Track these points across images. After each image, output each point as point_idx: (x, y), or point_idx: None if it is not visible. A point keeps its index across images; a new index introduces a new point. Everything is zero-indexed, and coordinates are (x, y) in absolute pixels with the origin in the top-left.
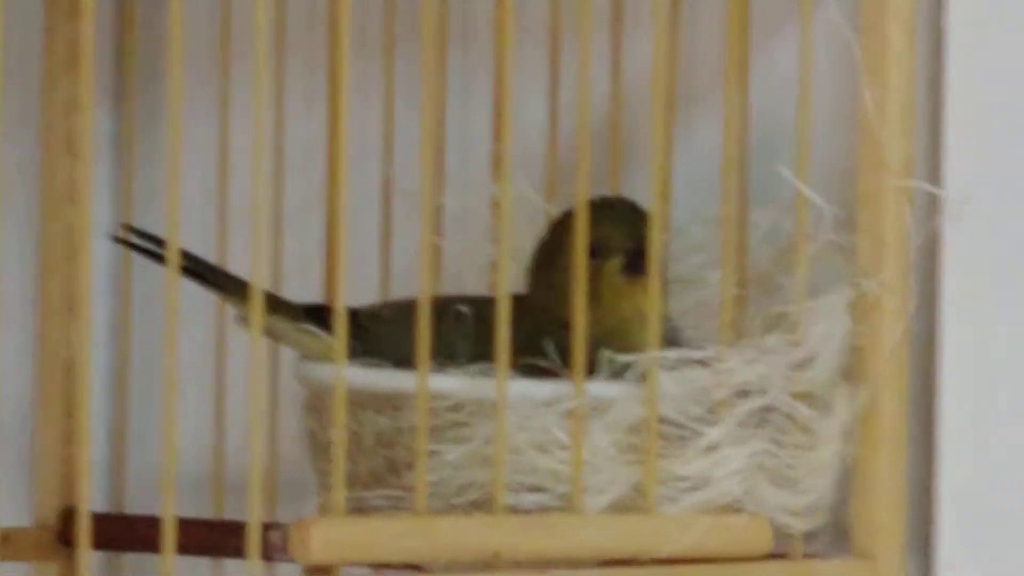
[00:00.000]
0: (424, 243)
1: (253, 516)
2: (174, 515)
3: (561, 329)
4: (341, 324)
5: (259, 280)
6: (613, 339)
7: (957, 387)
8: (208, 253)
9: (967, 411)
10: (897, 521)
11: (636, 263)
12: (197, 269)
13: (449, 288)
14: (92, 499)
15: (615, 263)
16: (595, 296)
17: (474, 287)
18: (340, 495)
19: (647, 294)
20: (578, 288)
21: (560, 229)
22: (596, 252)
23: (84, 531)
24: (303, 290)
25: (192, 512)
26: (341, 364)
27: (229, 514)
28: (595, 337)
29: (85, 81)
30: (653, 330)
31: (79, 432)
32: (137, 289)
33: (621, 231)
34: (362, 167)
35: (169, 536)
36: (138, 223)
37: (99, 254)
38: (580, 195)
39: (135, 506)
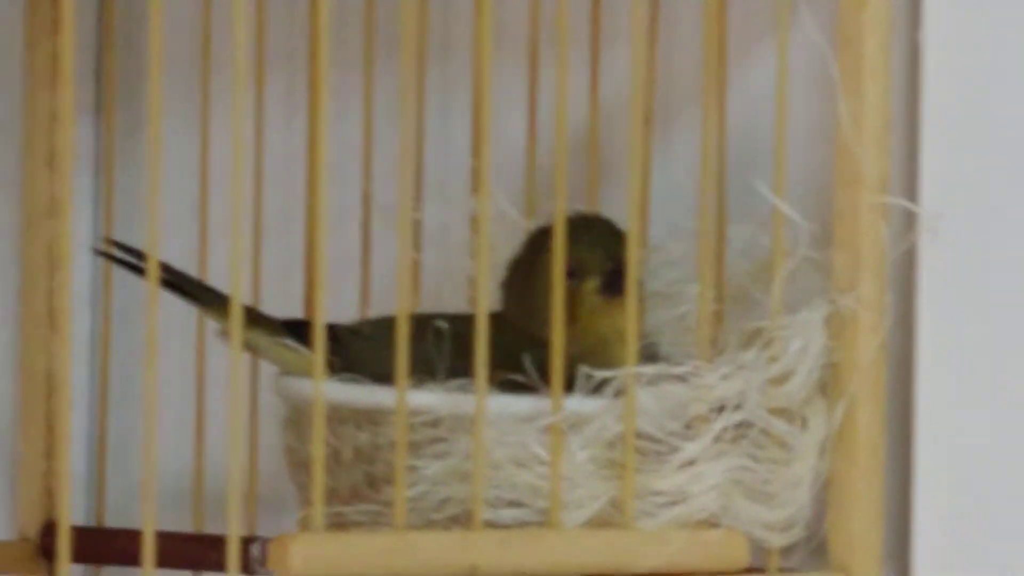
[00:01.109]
0: (402, 258)
1: (232, 530)
2: (154, 528)
3: (539, 346)
4: (320, 339)
5: (239, 294)
6: (591, 357)
7: (934, 401)
8: (189, 266)
9: (944, 425)
10: (874, 535)
11: (613, 283)
12: (178, 282)
13: (428, 303)
14: (73, 512)
15: (592, 284)
16: (573, 316)
17: (453, 302)
18: (320, 510)
19: (625, 313)
20: (556, 307)
21: (535, 246)
22: (573, 273)
23: (64, 544)
24: (284, 304)
25: (173, 526)
26: (320, 379)
27: (210, 528)
28: (573, 355)
29: (65, 95)
30: (631, 346)
31: (59, 445)
32: (118, 302)
33: (598, 251)
34: (342, 181)
35: (149, 549)
36: (120, 236)
37: (81, 267)
38: (558, 213)
39: (116, 519)
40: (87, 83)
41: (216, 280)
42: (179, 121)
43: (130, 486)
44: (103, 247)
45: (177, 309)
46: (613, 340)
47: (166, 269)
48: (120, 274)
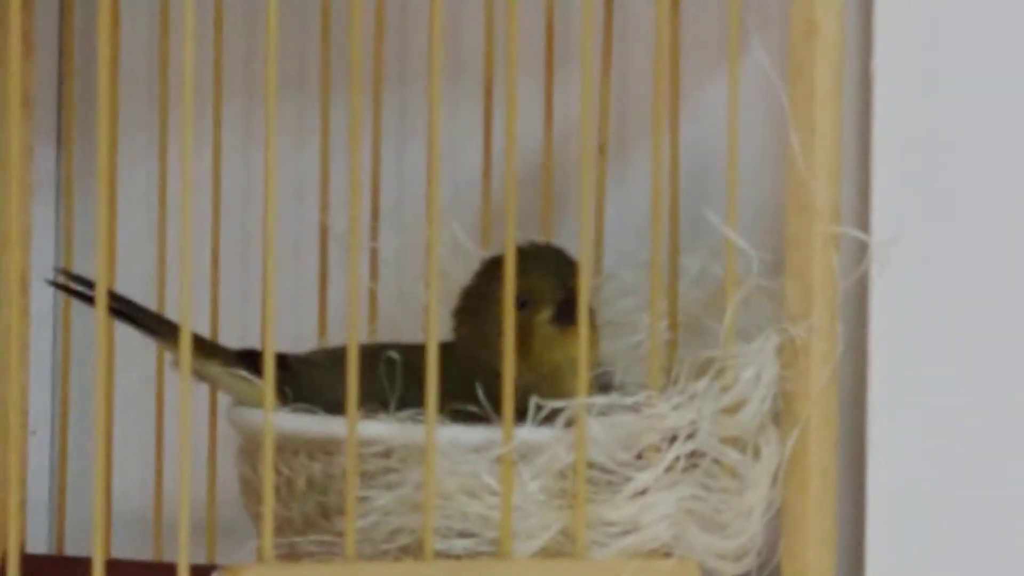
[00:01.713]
0: (351, 287)
1: (183, 559)
2: (105, 557)
3: (491, 375)
4: (270, 368)
5: (188, 325)
6: (544, 386)
7: (886, 430)
8: (147, 295)
9: (896, 454)
10: (827, 562)
11: (566, 313)
12: (130, 313)
13: (384, 332)
14: (34, 541)
15: (544, 315)
16: (525, 347)
17: (408, 331)
18: (269, 541)
19: (578, 342)
20: (507, 337)
21: (487, 276)
22: (525, 303)
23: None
24: (243, 334)
25: (132, 554)
26: (270, 410)
27: (168, 556)
28: (526, 384)
29: (14, 125)
30: (583, 376)
31: (9, 474)
32: (80, 330)
33: (549, 281)
34: (302, 209)
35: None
36: (80, 267)
37: (42, 295)
38: (508, 241)
39: (78, 548)
40: (48, 112)
41: (174, 310)
42: (137, 149)
43: (89, 514)
44: (58, 278)
45: (136, 338)
46: (566, 369)
47: (119, 299)
48: (80, 305)
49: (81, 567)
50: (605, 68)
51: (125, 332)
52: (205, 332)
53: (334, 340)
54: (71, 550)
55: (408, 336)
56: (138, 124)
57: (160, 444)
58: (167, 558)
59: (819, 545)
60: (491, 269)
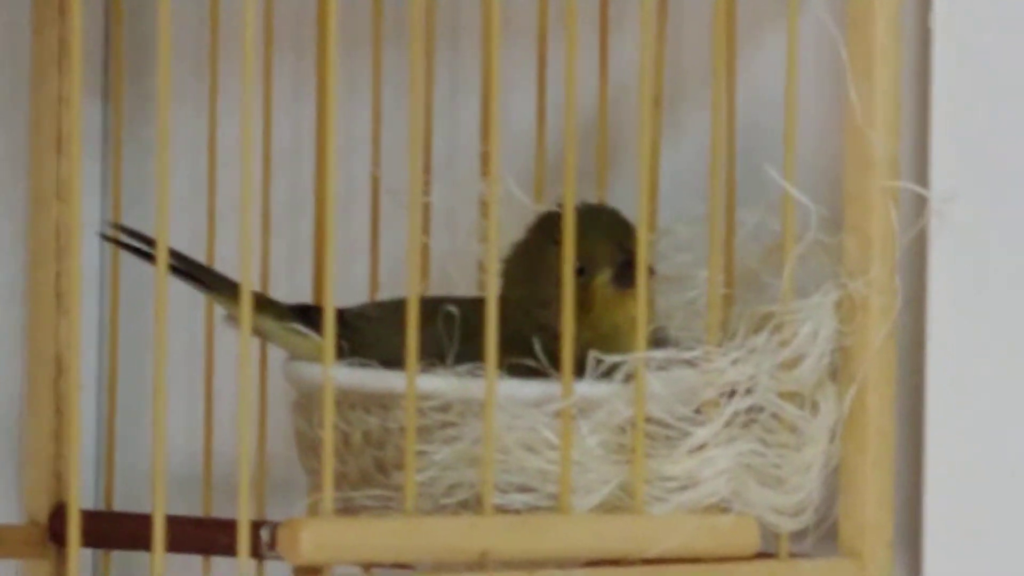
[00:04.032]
0: (412, 240)
1: (242, 514)
2: (164, 512)
3: (548, 332)
4: (330, 323)
5: (248, 279)
6: (602, 344)
7: (944, 385)
8: (195, 250)
9: (954, 409)
10: (884, 520)
11: (624, 275)
12: (185, 268)
13: (436, 286)
14: (81, 496)
15: (603, 278)
16: (584, 308)
17: (461, 286)
18: (329, 495)
19: (636, 303)
20: (567, 299)
21: (542, 233)
22: (583, 268)
23: (74, 527)
24: (293, 289)
25: (180, 510)
26: (329, 364)
27: (217, 512)
28: (583, 343)
29: (73, 77)
30: (640, 331)
31: (69, 429)
32: (125, 286)
33: (607, 244)
34: (349, 165)
35: (159, 532)
36: (127, 219)
37: (89, 251)
38: (567, 199)
39: (124, 503)
40: (95, 66)
41: (223, 265)
42: (186, 103)
43: (138, 470)
44: (110, 232)
45: (183, 294)
46: (625, 328)
47: (174, 255)
48: (128, 258)
49: (130, 522)
50: (660, 22)
51: (170, 288)
52: (256, 288)
53: (384, 295)
54: (119, 505)
55: (461, 291)
56: (184, 80)
57: (209, 399)
58: (216, 514)
59: (876, 502)
60: (546, 227)
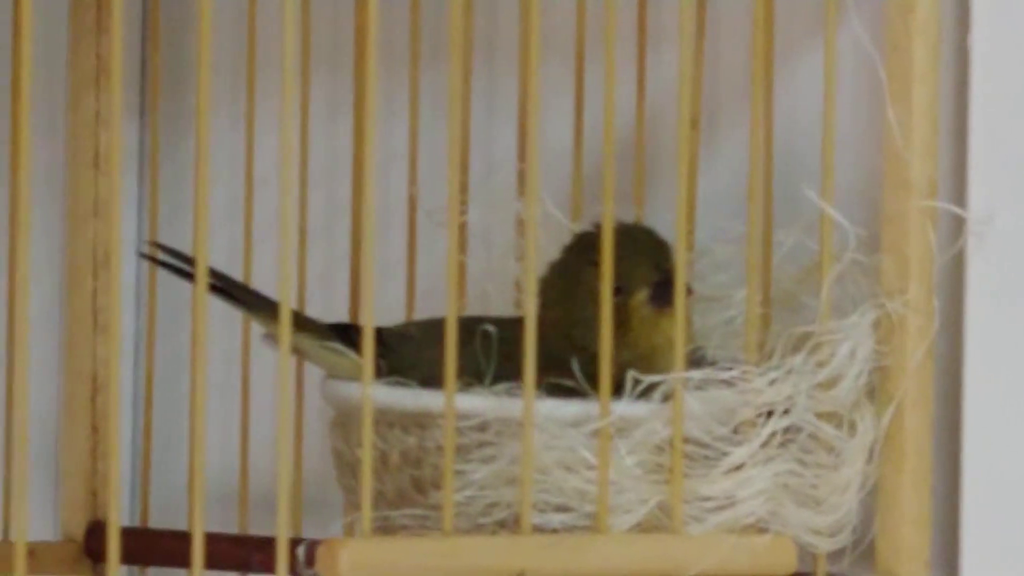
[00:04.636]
0: (451, 260)
1: (281, 532)
2: (203, 530)
3: (585, 353)
4: (369, 342)
5: (286, 298)
6: (640, 364)
7: (982, 406)
8: (231, 268)
9: (992, 430)
10: (922, 540)
11: (662, 294)
12: (222, 286)
13: (473, 306)
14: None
15: (641, 298)
16: (622, 329)
17: (498, 305)
18: (368, 515)
19: (674, 322)
20: (604, 319)
21: (577, 254)
22: (621, 288)
23: (114, 545)
24: (328, 308)
25: (215, 527)
26: (368, 383)
27: (252, 529)
28: (622, 362)
29: (113, 95)
30: (679, 351)
31: (108, 445)
32: (161, 304)
33: (644, 265)
34: (386, 183)
35: (198, 550)
36: (162, 237)
37: (124, 269)
38: (606, 219)
39: (159, 521)
40: (132, 84)
41: (258, 282)
42: (221, 122)
43: (173, 487)
44: (147, 250)
45: (219, 311)
46: (663, 348)
47: (212, 273)
48: (163, 275)
49: (166, 539)
50: (698, 42)
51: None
52: (292, 306)
53: (420, 314)
54: (154, 523)
55: (497, 310)
56: (220, 98)
57: (246, 417)
58: (251, 531)
59: (914, 522)
60: (582, 247)
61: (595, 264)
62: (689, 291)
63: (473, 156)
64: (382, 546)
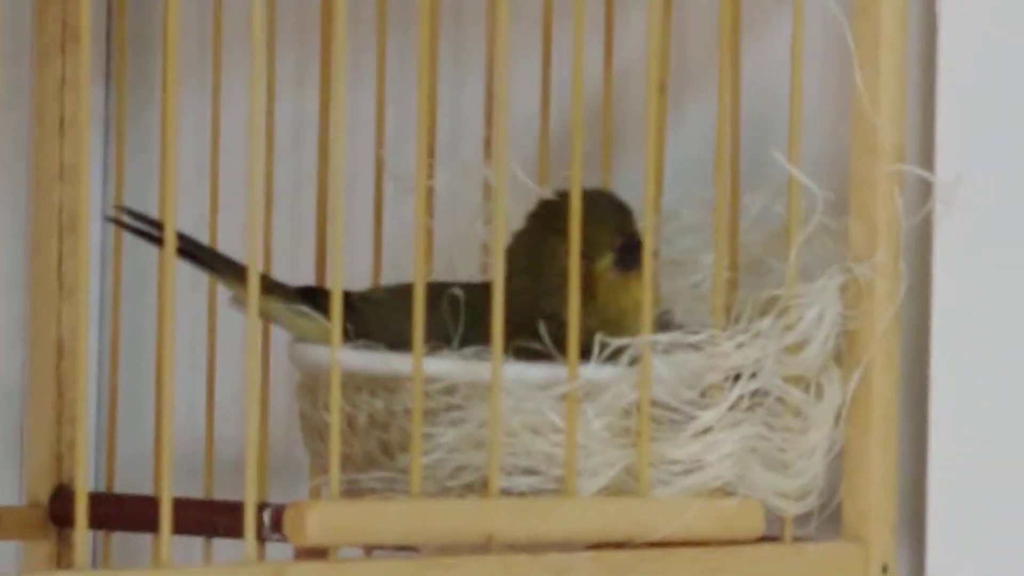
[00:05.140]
0: (418, 225)
1: (249, 496)
2: (170, 494)
3: (553, 318)
4: (337, 306)
5: (255, 262)
6: (608, 328)
7: (949, 370)
8: (198, 233)
9: (959, 394)
10: (888, 504)
11: (627, 258)
12: (190, 250)
13: (441, 271)
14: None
15: (605, 263)
16: (588, 294)
17: (464, 270)
18: (336, 478)
19: (641, 286)
20: (573, 281)
21: (541, 222)
22: (585, 253)
23: (82, 510)
24: (293, 272)
25: (181, 492)
26: (336, 346)
27: (218, 494)
28: (589, 328)
29: (82, 59)
30: (647, 315)
31: (77, 410)
32: (127, 268)
33: (607, 230)
34: (353, 148)
35: (166, 515)
36: (128, 202)
37: (90, 234)
38: (574, 184)
39: (124, 486)
40: (97, 49)
41: (225, 247)
42: (188, 86)
43: (139, 453)
44: (114, 214)
45: (184, 276)
46: (630, 312)
47: (179, 237)
48: (129, 239)
49: (131, 504)
50: (666, 6)
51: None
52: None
53: (387, 279)
54: (120, 488)
55: (464, 275)
56: (187, 62)
57: (211, 381)
58: (216, 496)
59: (880, 486)
60: (545, 215)
61: (559, 232)
62: (654, 254)
63: (440, 120)
64: (349, 509)
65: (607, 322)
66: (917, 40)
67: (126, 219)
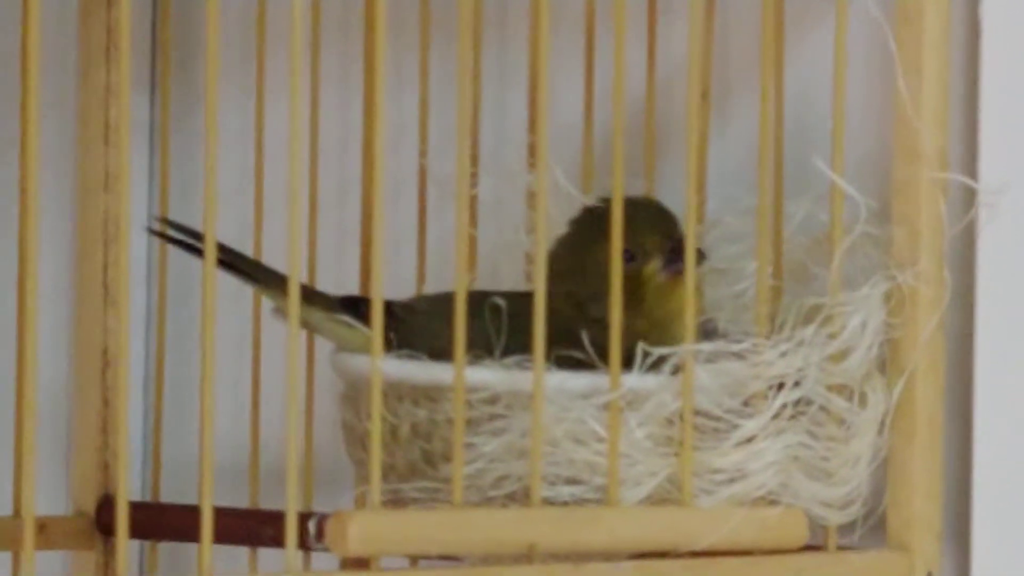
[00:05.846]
0: (460, 233)
1: (291, 505)
2: (212, 504)
3: (596, 324)
4: (378, 315)
5: (296, 272)
6: (652, 335)
7: (993, 377)
8: (242, 242)
9: (1003, 401)
10: (933, 512)
11: (675, 261)
12: (232, 261)
13: (484, 279)
14: (129, 488)
15: (653, 266)
16: (637, 297)
17: (509, 278)
18: (377, 487)
19: (685, 292)
20: (614, 288)
21: (586, 227)
22: (632, 256)
23: (123, 518)
24: (338, 281)
25: (226, 501)
26: (377, 356)
27: (263, 504)
28: (634, 333)
29: (122, 68)
30: (690, 320)
31: (118, 419)
32: (172, 279)
33: (655, 233)
34: (396, 155)
35: (207, 524)
36: (173, 211)
37: (134, 243)
38: (616, 190)
39: (169, 495)
40: (142, 57)
41: (269, 256)
42: (231, 95)
43: (184, 462)
44: (157, 226)
45: (229, 286)
46: (678, 315)
47: (221, 248)
48: (174, 249)
49: (176, 513)
50: (708, 13)
51: (218, 280)
52: (303, 279)
53: (431, 287)
54: (165, 497)
55: (508, 284)
56: (230, 71)
57: (256, 391)
58: (261, 505)
59: (925, 494)
60: (591, 220)
61: (607, 236)
62: (702, 256)
63: (483, 128)
64: (392, 519)
65: (655, 325)
66: (960, 45)
67: (168, 231)
